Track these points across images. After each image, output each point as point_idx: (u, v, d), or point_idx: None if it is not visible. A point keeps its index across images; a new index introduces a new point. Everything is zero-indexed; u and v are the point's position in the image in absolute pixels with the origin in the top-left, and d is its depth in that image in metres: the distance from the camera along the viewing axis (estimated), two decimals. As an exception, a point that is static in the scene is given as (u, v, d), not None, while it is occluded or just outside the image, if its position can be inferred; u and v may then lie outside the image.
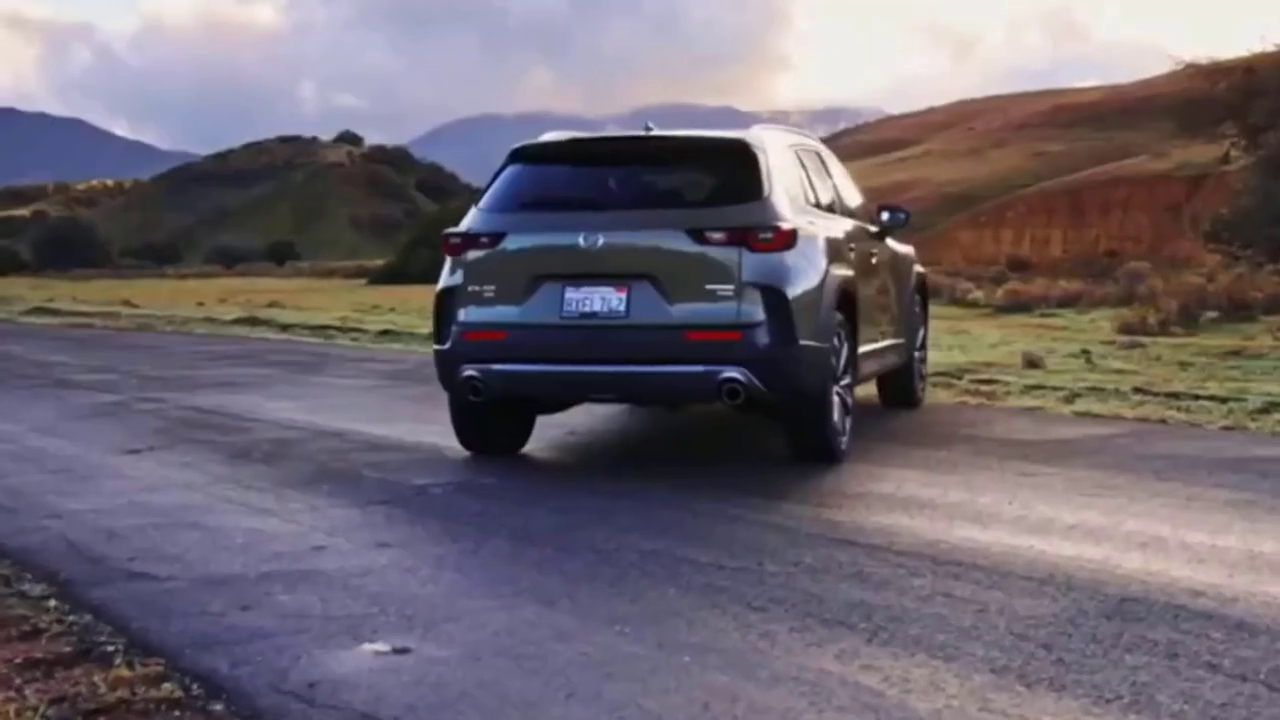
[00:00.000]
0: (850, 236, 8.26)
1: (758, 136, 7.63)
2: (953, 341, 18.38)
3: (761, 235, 7.02)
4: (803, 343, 7.08)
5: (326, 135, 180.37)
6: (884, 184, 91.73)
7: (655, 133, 7.70)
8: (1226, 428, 8.97)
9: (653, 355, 7.08)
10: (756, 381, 6.97)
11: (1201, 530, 5.77)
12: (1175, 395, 10.34)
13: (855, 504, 6.42)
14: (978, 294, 39.34)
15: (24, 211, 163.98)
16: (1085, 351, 15.93)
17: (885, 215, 9.45)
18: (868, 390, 10.38)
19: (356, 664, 4.08)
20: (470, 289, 7.45)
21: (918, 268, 10.28)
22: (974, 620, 4.45)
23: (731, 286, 6.99)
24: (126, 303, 32.75)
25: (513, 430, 8.16)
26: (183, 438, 8.87)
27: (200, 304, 32.62)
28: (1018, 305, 34.70)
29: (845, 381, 7.79)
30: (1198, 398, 10.21)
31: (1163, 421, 9.26)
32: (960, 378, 11.93)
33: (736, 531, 5.85)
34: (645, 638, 4.31)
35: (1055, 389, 11.01)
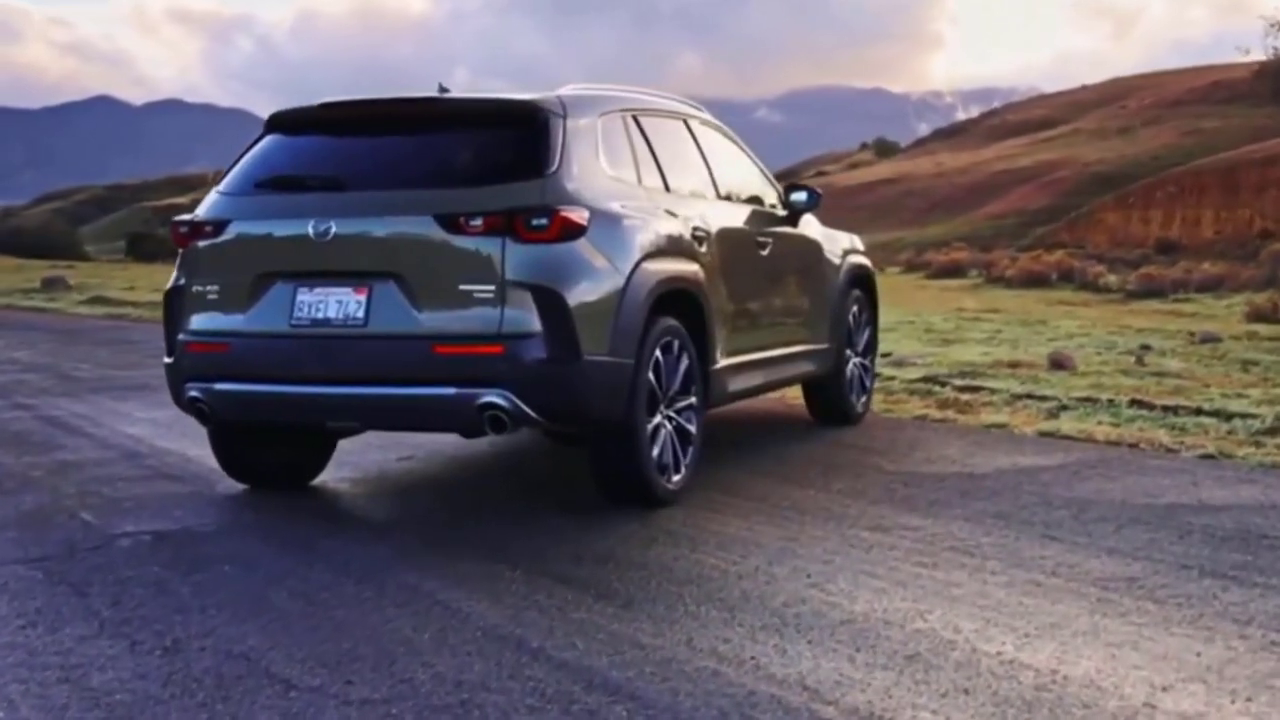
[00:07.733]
0: (711, 225, 6.63)
1: (557, 100, 6.00)
2: (1020, 334, 16.53)
3: (533, 222, 5.46)
4: (589, 358, 5.51)
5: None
6: (1030, 164, 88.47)
7: (440, 96, 6.17)
8: (1206, 455, 7.17)
9: (396, 373, 5.57)
10: (525, 407, 5.43)
11: (1018, 631, 4.14)
12: (1174, 410, 8.51)
13: (597, 580, 4.84)
14: (1110, 278, 36.79)
15: (184, 199, 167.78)
16: (1145, 347, 14.02)
17: (801, 196, 7.83)
18: (797, 402, 8.78)
19: None
20: (194, 290, 6.02)
21: (856, 258, 8.47)
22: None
23: (492, 287, 5.44)
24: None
25: (295, 458, 6.71)
26: (-28, 458, 7.65)
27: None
28: (1151, 290, 32.24)
29: (683, 404, 6.20)
30: (1200, 412, 8.37)
31: (1135, 446, 7.49)
32: (945, 384, 10.18)
33: (390, 624, 4.34)
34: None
35: (1045, 399, 9.24)
